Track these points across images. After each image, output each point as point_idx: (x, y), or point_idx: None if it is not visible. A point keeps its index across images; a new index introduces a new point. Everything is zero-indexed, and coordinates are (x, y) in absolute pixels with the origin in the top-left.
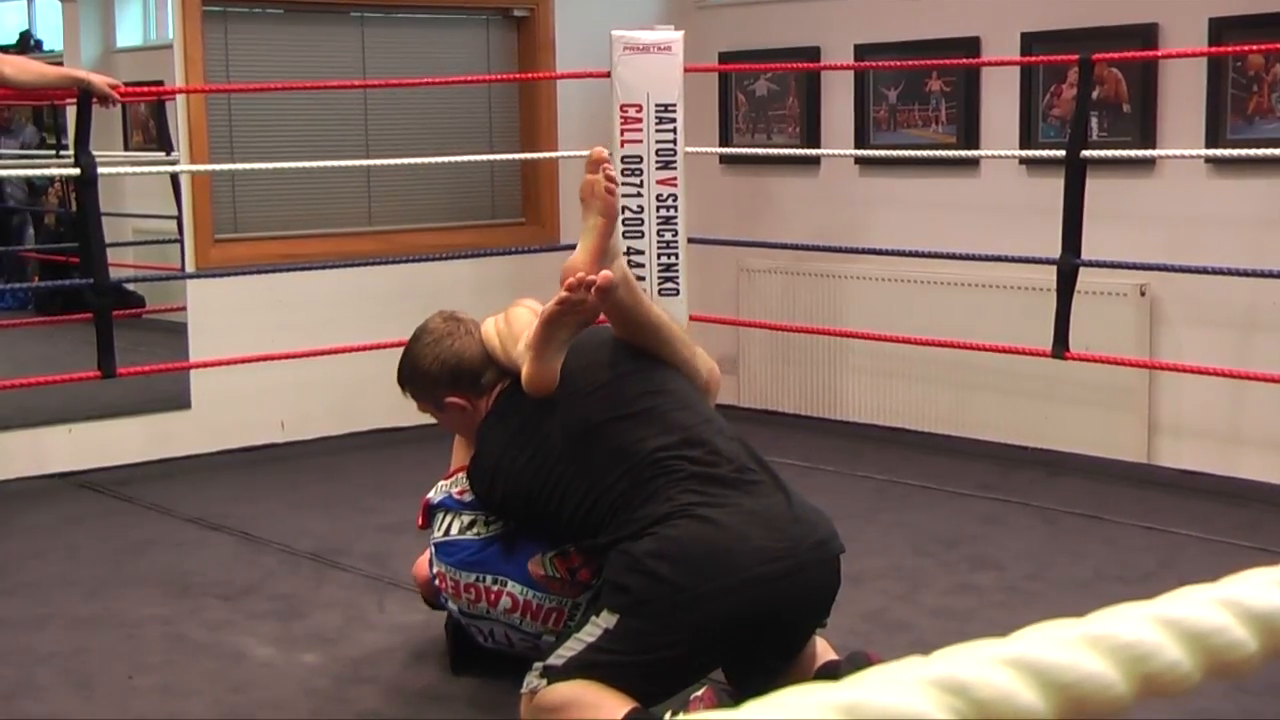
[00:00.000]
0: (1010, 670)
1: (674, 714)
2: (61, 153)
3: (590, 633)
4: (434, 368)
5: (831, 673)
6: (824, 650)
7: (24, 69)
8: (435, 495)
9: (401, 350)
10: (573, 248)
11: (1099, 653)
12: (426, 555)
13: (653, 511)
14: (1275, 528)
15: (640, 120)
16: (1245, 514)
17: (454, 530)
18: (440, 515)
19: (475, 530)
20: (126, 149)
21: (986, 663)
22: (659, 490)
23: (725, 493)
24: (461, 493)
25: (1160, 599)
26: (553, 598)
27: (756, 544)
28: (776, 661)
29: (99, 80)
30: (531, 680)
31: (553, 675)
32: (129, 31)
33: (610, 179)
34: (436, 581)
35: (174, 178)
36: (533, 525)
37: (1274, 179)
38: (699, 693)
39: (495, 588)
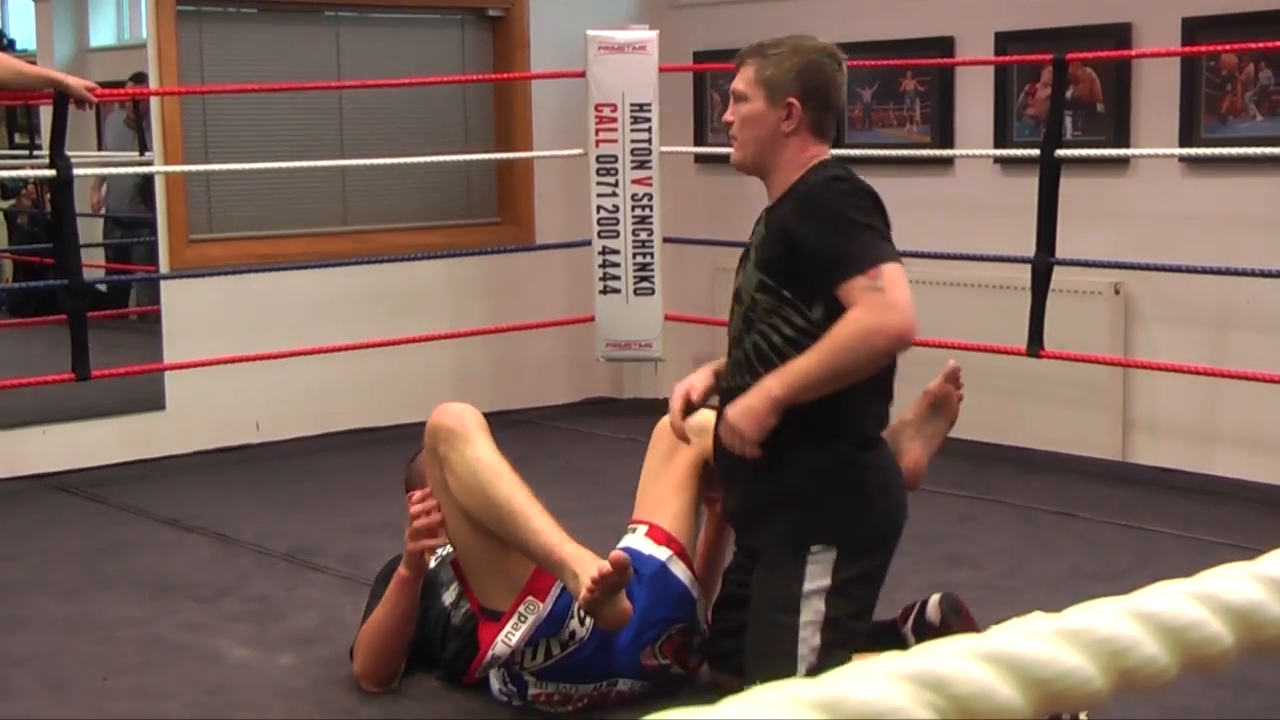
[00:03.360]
0: (988, 665)
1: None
2: (35, 153)
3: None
4: None
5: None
6: None
7: (3, 66)
8: (499, 649)
9: (375, 351)
10: (548, 247)
11: (1076, 648)
12: (381, 632)
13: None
14: (1250, 524)
15: (615, 120)
16: (1220, 511)
17: (555, 651)
18: (530, 649)
19: (570, 647)
20: (100, 149)
21: (964, 658)
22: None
23: None
24: (533, 624)
25: (1136, 594)
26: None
27: None
28: None
29: (75, 82)
30: None
31: None
32: (103, 31)
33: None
34: (535, 702)
35: (148, 178)
36: None
37: (1247, 178)
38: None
39: (609, 689)
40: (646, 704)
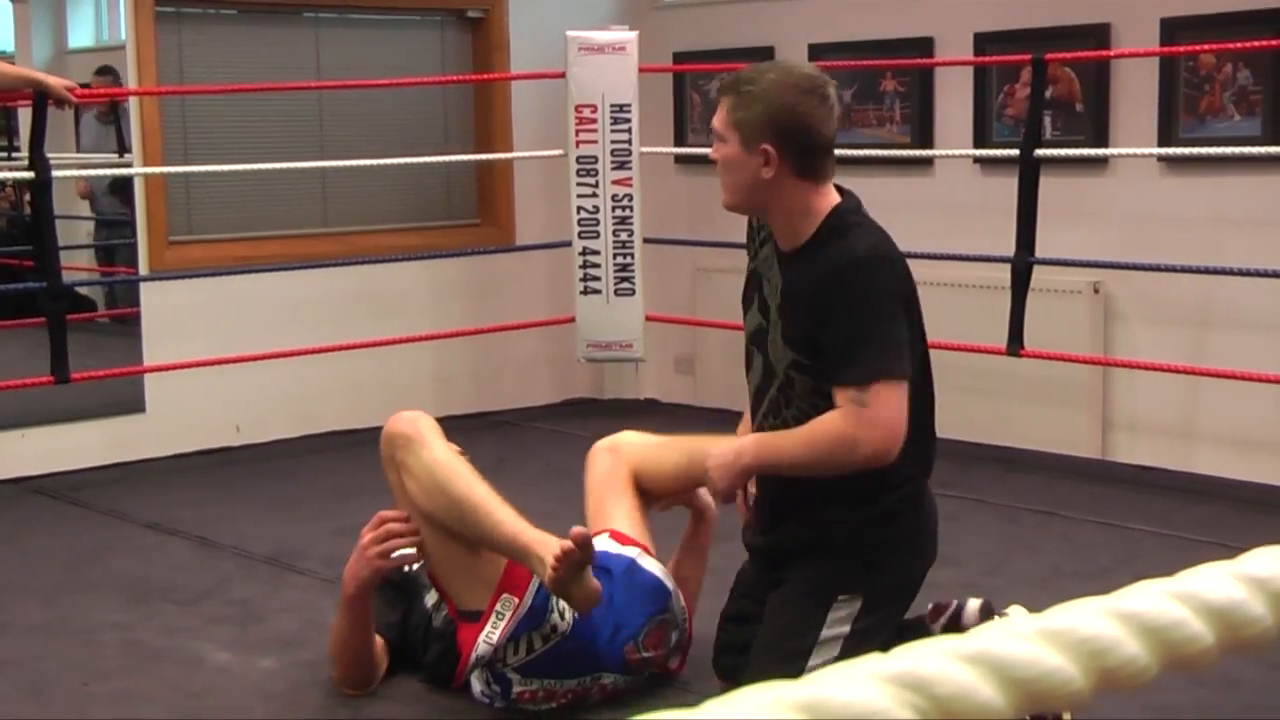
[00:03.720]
0: (969, 666)
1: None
2: (14, 155)
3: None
4: None
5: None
6: None
7: None
8: (481, 649)
9: (356, 353)
10: (528, 248)
11: (1057, 648)
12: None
13: None
14: (1230, 522)
15: (595, 120)
16: (1201, 509)
17: (537, 645)
18: (513, 644)
19: (552, 640)
20: (78, 150)
21: (946, 659)
22: None
23: None
24: (512, 620)
25: (1117, 594)
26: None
27: None
28: None
29: (55, 82)
30: None
31: None
32: (81, 32)
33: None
34: (520, 700)
35: (128, 180)
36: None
37: (1225, 177)
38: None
39: (592, 683)
40: (629, 703)
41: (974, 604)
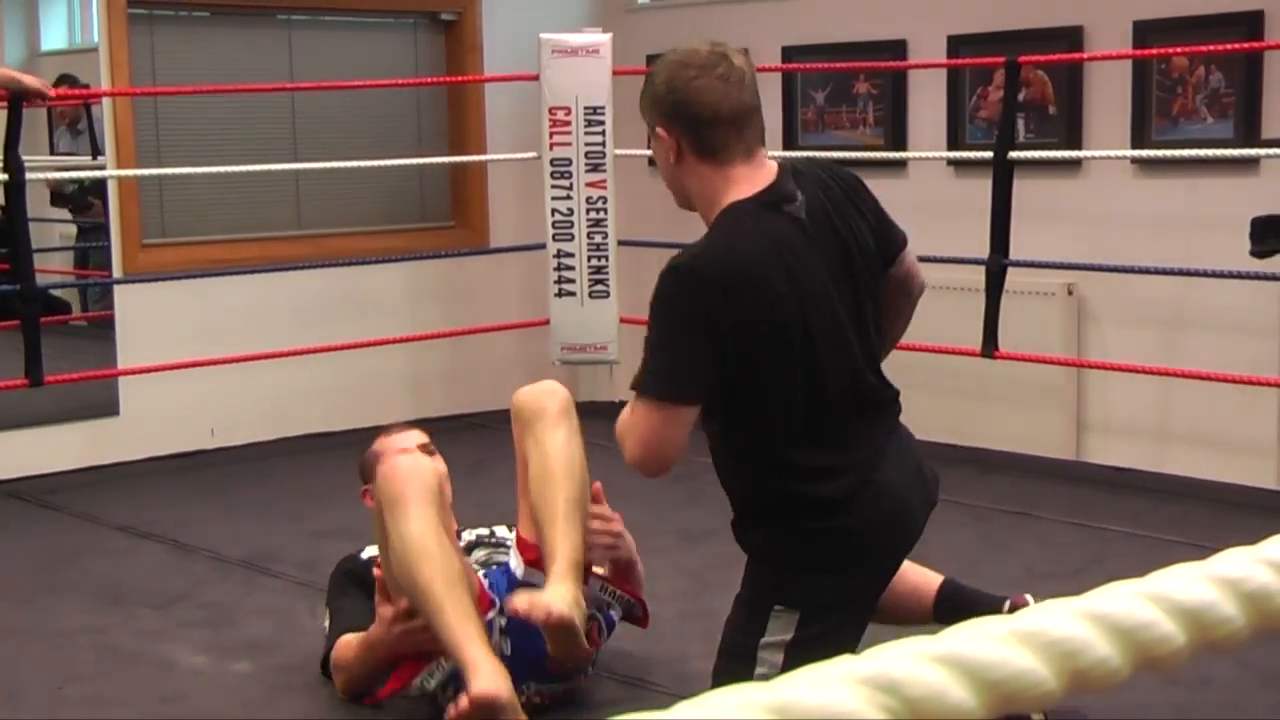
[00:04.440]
0: (941, 667)
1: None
2: None
3: None
4: None
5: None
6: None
7: None
8: (413, 688)
9: (330, 355)
10: (502, 250)
11: (1029, 649)
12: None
13: None
14: (1203, 523)
15: (569, 123)
16: (1173, 509)
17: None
18: (442, 690)
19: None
20: (52, 153)
21: (917, 660)
22: None
23: None
24: (448, 673)
25: (1089, 594)
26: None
27: None
28: None
29: (31, 81)
30: None
31: None
32: (54, 34)
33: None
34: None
35: (101, 182)
36: None
37: (1198, 179)
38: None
39: (525, 692)
40: (612, 705)
41: (1005, 604)
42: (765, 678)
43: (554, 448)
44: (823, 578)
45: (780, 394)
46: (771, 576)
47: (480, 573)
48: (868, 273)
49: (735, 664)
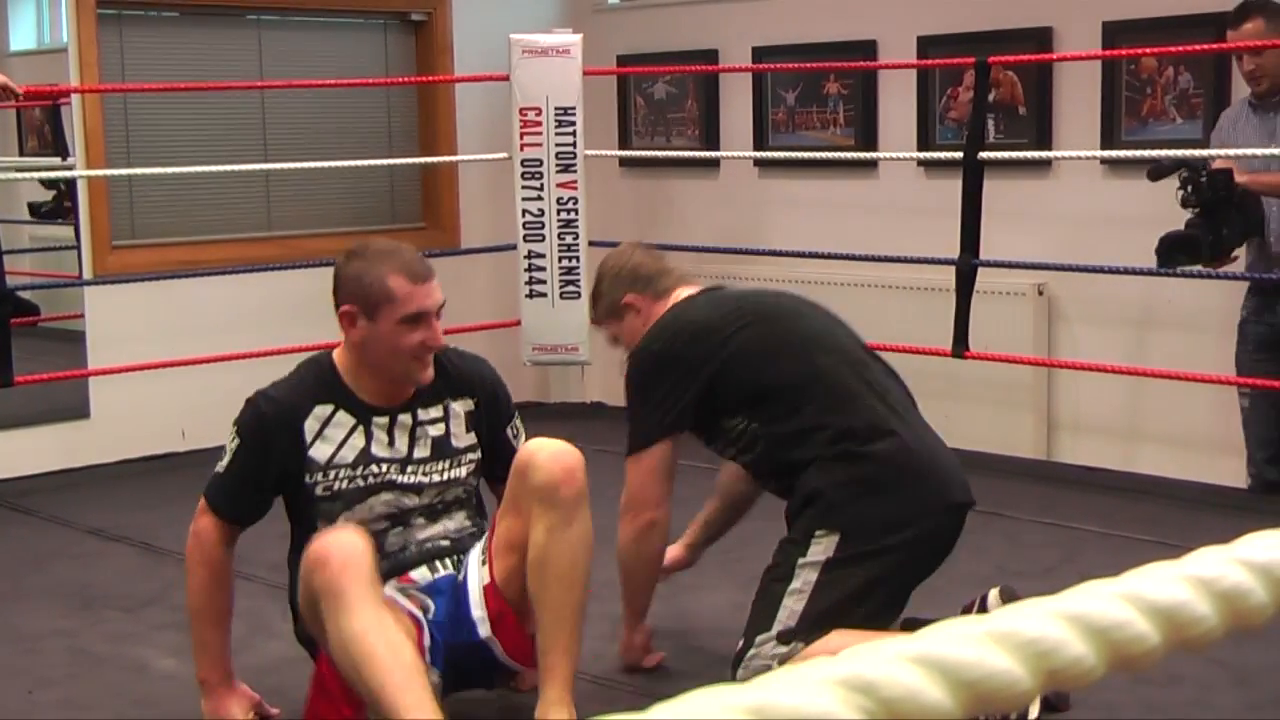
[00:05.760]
0: (916, 668)
1: None
2: None
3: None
4: None
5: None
6: None
7: None
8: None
9: (301, 356)
10: (473, 251)
11: (1004, 649)
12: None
13: None
14: (1174, 522)
15: (540, 123)
16: (1144, 508)
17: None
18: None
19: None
20: (21, 154)
21: (893, 661)
22: None
23: None
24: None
25: (1064, 594)
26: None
27: None
28: None
29: (1, 78)
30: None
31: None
32: (23, 34)
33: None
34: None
35: (70, 183)
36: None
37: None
38: None
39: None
40: (597, 704)
41: (994, 593)
42: (799, 595)
43: (569, 546)
44: (861, 501)
45: (789, 377)
46: (816, 514)
47: (424, 582)
48: None
49: (774, 585)
